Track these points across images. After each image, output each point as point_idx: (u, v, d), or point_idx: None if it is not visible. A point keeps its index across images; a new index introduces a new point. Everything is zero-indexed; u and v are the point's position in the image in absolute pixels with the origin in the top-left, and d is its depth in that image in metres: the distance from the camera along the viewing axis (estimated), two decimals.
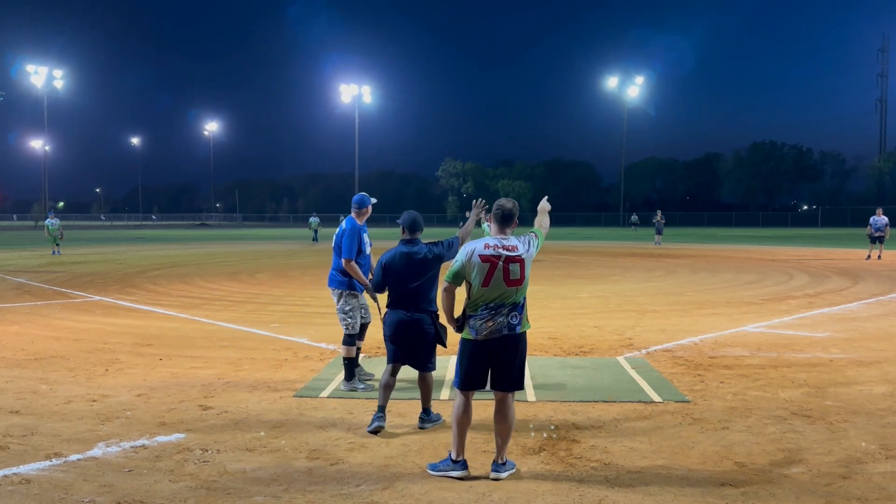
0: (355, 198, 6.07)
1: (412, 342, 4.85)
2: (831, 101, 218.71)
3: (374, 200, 6.08)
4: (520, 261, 3.99)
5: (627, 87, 74.41)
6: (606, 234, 49.71)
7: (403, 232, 4.98)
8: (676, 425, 4.98)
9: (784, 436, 4.74)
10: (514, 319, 3.99)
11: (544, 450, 4.46)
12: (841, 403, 5.52)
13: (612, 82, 74.70)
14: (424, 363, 4.89)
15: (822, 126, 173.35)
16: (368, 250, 6.05)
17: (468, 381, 4.10)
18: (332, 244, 5.96)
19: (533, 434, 4.77)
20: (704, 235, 46.09)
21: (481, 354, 4.03)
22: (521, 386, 4.12)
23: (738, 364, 6.98)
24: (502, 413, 4.05)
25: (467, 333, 4.07)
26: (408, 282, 4.83)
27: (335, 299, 6.00)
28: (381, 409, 4.87)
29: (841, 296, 12.56)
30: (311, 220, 38.22)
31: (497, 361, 4.02)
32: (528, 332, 4.14)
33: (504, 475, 3.97)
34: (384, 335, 5.00)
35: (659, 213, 33.35)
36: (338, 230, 5.94)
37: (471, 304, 4.04)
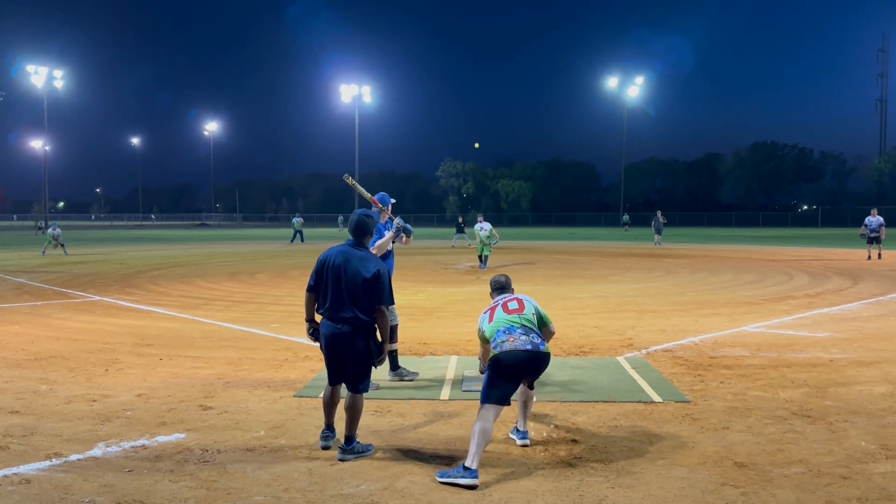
0: (376, 197, 6.30)
1: (342, 358, 4.38)
2: (831, 101, 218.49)
3: (393, 200, 6.43)
4: (517, 299, 4.60)
5: (627, 87, 74.28)
6: (606, 235, 49.68)
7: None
8: (676, 425, 4.98)
9: (784, 436, 4.74)
10: (535, 339, 4.34)
11: (544, 450, 4.47)
12: (841, 403, 5.53)
13: (612, 82, 74.57)
14: (355, 383, 4.40)
15: (822, 126, 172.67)
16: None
17: (495, 396, 4.21)
18: None
19: (533, 434, 4.77)
20: (704, 235, 46.07)
21: (509, 373, 4.26)
22: None
23: (738, 364, 6.98)
24: (526, 393, 4.63)
25: (493, 353, 4.33)
26: (344, 285, 4.33)
27: None
28: (329, 427, 4.56)
29: (841, 296, 12.56)
30: (294, 220, 38.17)
31: (528, 375, 4.41)
32: None
33: (528, 441, 4.56)
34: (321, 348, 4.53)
35: (659, 212, 33.27)
36: None
37: (489, 337, 4.44)
